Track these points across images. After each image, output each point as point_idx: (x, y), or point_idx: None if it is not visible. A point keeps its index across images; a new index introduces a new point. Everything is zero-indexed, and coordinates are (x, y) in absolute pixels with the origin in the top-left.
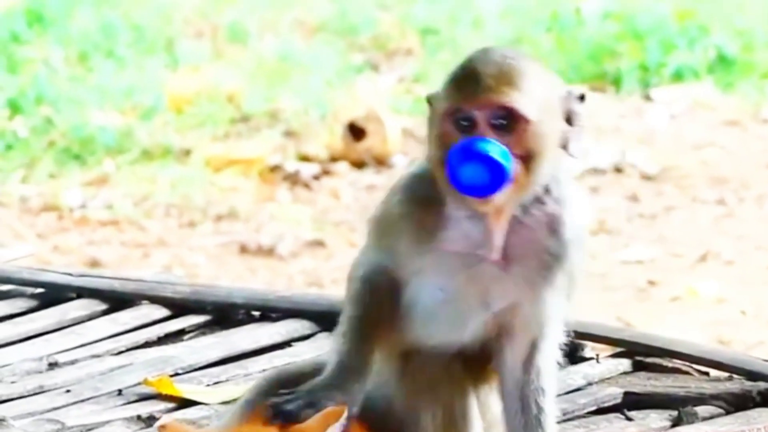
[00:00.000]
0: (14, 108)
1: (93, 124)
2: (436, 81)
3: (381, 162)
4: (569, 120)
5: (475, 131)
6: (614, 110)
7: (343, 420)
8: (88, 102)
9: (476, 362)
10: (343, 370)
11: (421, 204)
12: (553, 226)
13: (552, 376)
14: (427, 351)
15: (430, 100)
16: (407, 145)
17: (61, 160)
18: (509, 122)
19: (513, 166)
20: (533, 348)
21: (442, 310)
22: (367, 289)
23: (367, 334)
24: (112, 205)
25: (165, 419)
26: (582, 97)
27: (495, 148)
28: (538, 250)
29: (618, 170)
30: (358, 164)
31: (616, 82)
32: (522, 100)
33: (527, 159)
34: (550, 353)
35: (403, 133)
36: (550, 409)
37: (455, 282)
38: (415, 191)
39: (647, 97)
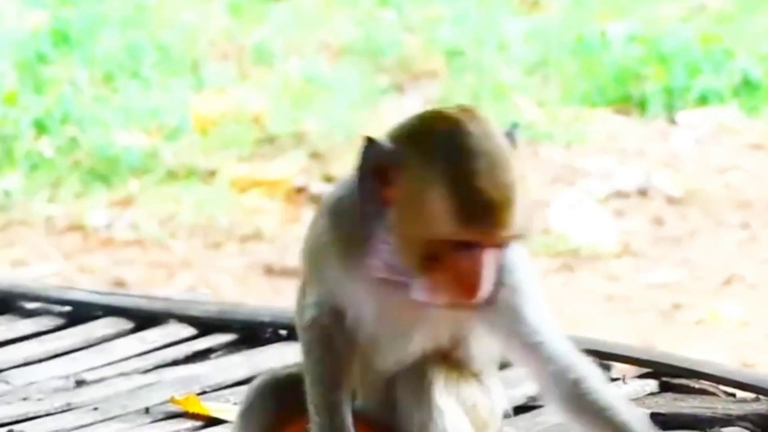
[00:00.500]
0: (40, 128)
1: (118, 144)
2: (461, 103)
3: None
4: None
5: (476, 255)
6: (639, 133)
7: None
8: (113, 122)
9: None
10: None
11: (348, 232)
12: None
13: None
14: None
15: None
16: None
17: (86, 180)
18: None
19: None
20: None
21: (384, 336)
22: (320, 334)
23: (336, 382)
24: (137, 226)
25: None
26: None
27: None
28: None
29: (642, 193)
30: None
31: (641, 105)
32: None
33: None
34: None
35: None
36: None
37: (389, 308)
38: (340, 217)
39: (672, 121)
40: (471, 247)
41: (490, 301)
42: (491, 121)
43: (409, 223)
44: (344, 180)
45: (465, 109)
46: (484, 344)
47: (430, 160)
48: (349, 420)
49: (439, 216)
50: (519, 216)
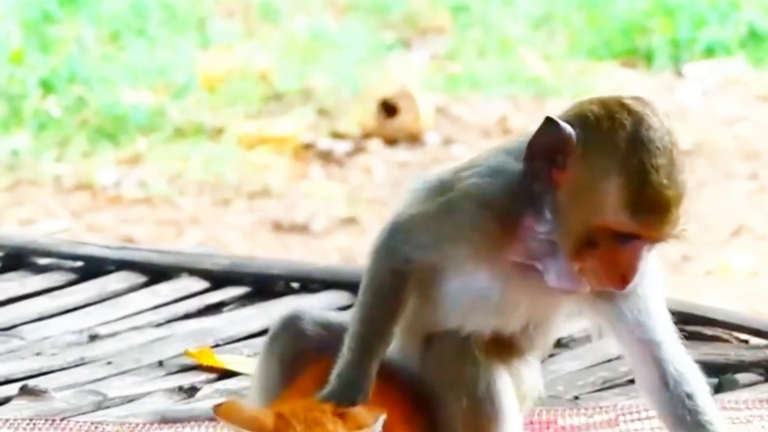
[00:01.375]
0: (47, 87)
1: (125, 102)
2: (468, 58)
3: (414, 139)
4: None
5: (636, 246)
6: (646, 86)
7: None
8: (120, 81)
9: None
10: (348, 384)
11: (496, 218)
12: None
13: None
14: (450, 332)
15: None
16: (439, 122)
17: (94, 138)
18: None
19: None
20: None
21: (487, 307)
22: (399, 282)
23: (385, 331)
24: (145, 183)
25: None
26: None
27: None
28: None
29: None
30: (391, 141)
31: (648, 58)
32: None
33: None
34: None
35: (436, 110)
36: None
37: (509, 288)
38: (491, 203)
39: (679, 73)
40: (632, 238)
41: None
42: (666, 115)
43: (578, 207)
44: (496, 156)
45: (641, 100)
46: (557, 328)
47: (610, 148)
48: (375, 369)
49: (612, 204)
50: (683, 215)
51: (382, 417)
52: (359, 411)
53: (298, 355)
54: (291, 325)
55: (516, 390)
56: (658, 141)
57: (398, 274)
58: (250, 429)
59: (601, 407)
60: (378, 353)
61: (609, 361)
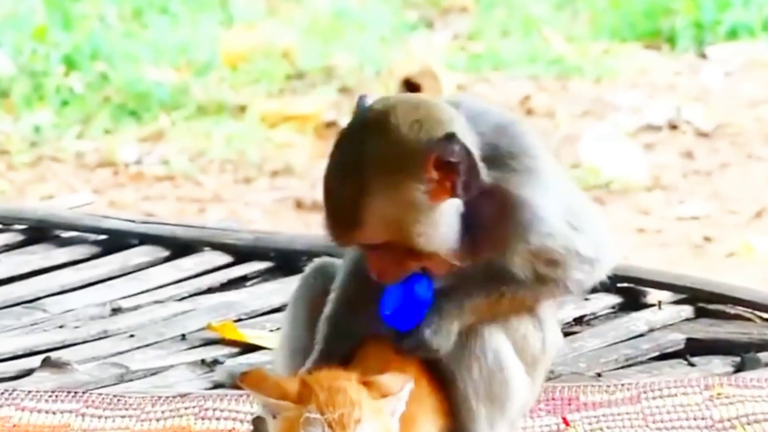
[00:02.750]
0: (70, 64)
1: (148, 79)
2: (491, 38)
3: None
4: (446, 165)
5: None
6: (669, 67)
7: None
8: (142, 58)
9: None
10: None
11: None
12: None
13: None
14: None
15: None
16: None
17: (116, 115)
18: (375, 244)
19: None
20: None
21: None
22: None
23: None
24: (167, 161)
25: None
26: (450, 137)
27: (422, 289)
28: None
29: (673, 127)
30: None
31: (671, 39)
32: (366, 234)
33: (416, 253)
34: None
35: (458, 89)
36: None
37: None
38: None
39: (702, 55)
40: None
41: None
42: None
43: None
44: None
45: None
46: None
47: None
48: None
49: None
50: (356, 228)
51: (410, 384)
52: (386, 379)
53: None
54: (321, 269)
55: (525, 350)
56: (327, 187)
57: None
58: (274, 397)
59: (623, 384)
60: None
61: (631, 338)
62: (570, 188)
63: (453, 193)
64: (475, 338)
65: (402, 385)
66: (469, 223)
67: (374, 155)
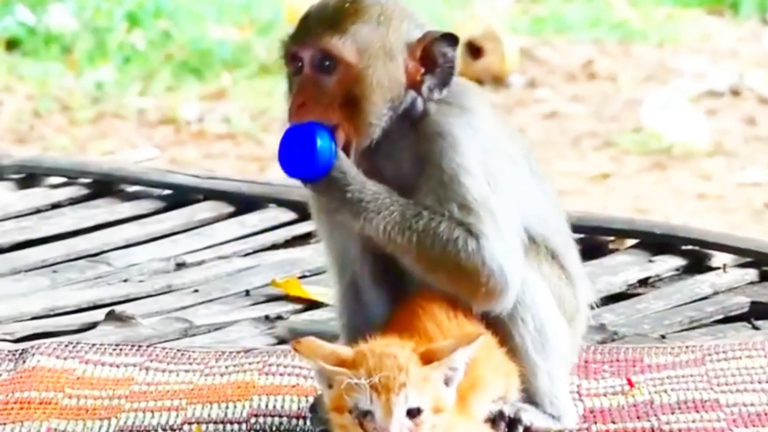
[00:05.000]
0: (133, 21)
1: (211, 38)
2: (554, 1)
3: (498, 80)
4: (430, 61)
5: (302, 72)
6: (732, 34)
7: (475, 345)
8: (206, 16)
9: None
10: None
11: None
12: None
13: None
14: None
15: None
16: (524, 65)
17: (178, 73)
18: (331, 64)
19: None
20: None
21: None
22: None
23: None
24: (229, 119)
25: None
26: (449, 37)
27: (320, 139)
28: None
29: (735, 93)
30: (476, 82)
31: (734, 6)
32: (341, 44)
33: (352, 101)
34: None
35: (521, 52)
36: None
37: None
38: None
39: (765, 21)
40: (299, 63)
41: None
42: None
43: None
44: None
45: None
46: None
47: None
48: None
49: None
50: (334, 34)
51: (482, 337)
52: (440, 346)
53: None
54: None
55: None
56: None
57: None
58: (329, 363)
59: (687, 346)
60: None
61: (696, 300)
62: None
63: (416, 86)
64: (525, 290)
65: (449, 352)
66: (393, 132)
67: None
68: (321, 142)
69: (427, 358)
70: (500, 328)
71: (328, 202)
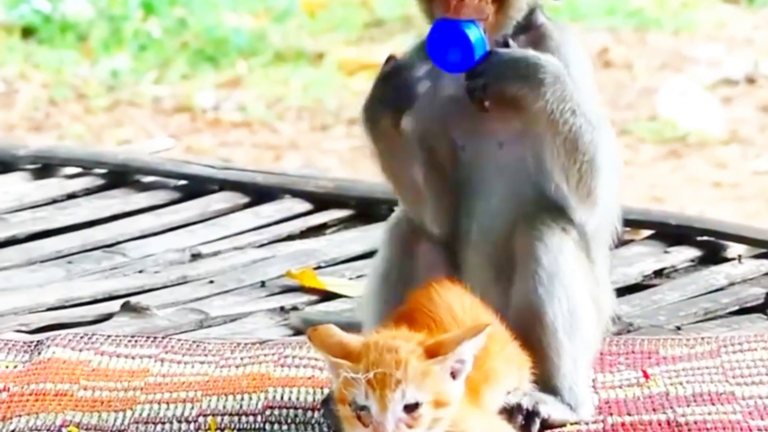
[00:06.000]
0: (148, 9)
1: (226, 26)
2: None
3: None
4: None
5: None
6: (747, 21)
7: (482, 336)
8: (221, 3)
9: None
10: None
11: None
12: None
13: None
14: None
15: None
16: None
17: (194, 61)
18: None
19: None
20: None
21: None
22: None
23: None
24: (244, 107)
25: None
26: None
27: (473, 32)
28: None
29: (750, 81)
30: None
31: None
32: None
33: None
34: None
35: None
36: None
37: None
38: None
39: None
40: None
41: None
42: None
43: None
44: None
45: None
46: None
47: None
48: None
49: None
50: None
51: (489, 328)
52: (448, 338)
53: (418, 234)
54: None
55: None
56: None
57: None
58: (335, 355)
59: (702, 338)
60: None
61: (711, 292)
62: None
63: None
64: (565, 269)
65: (454, 346)
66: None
67: None
68: (473, 35)
69: (433, 352)
70: (534, 305)
71: (497, 82)
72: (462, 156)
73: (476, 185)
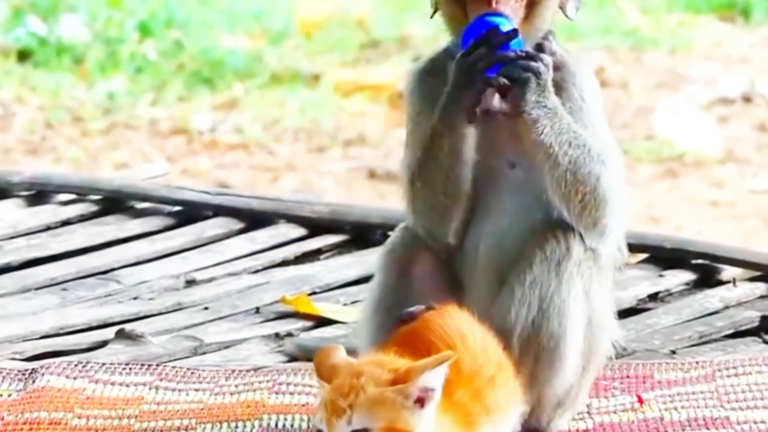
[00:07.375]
0: (144, 31)
1: (222, 47)
2: None
3: None
4: None
5: None
6: (744, 40)
7: (444, 367)
8: (217, 25)
9: None
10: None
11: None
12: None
13: None
14: None
15: None
16: None
17: (190, 83)
18: None
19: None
20: None
21: None
22: None
23: None
24: (241, 129)
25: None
26: None
27: (505, 24)
28: None
29: (747, 100)
30: None
31: (746, 12)
32: None
33: (532, 4)
34: None
35: None
36: None
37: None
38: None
39: None
40: None
41: None
42: None
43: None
44: None
45: None
46: None
47: None
48: None
49: None
50: None
51: (451, 359)
52: (413, 367)
53: (414, 259)
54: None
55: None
56: None
57: None
58: (321, 377)
59: (697, 362)
60: None
61: (706, 315)
62: None
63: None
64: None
65: (415, 375)
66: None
67: None
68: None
69: (399, 379)
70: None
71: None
72: (474, 172)
73: (487, 204)
